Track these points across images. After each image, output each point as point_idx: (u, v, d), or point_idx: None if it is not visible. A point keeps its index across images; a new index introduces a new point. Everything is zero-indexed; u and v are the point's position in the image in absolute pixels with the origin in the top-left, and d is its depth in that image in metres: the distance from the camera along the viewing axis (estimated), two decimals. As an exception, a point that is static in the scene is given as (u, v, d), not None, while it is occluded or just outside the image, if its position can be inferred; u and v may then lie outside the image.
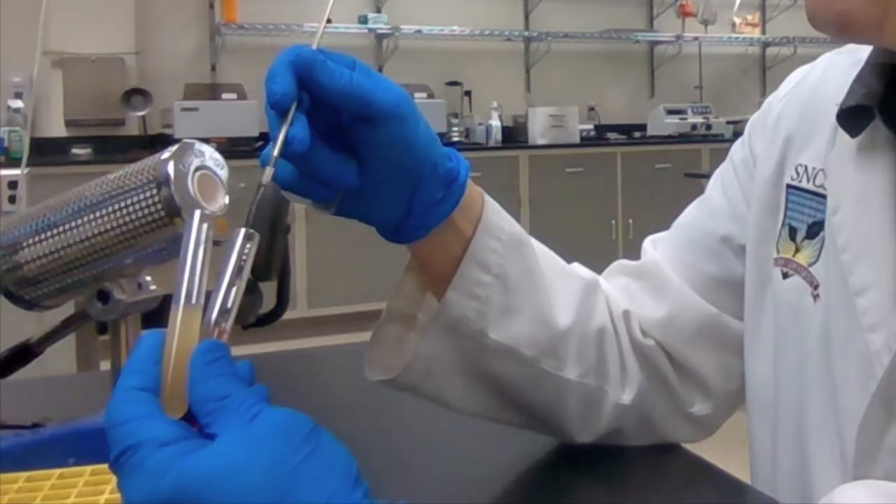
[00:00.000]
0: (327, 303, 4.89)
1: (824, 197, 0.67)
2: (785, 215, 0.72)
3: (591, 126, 6.04)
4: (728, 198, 0.79)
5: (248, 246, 0.46)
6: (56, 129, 4.89)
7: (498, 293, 0.68)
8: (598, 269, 0.82)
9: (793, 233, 0.70)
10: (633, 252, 0.84)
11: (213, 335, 0.44)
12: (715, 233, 0.78)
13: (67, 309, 0.79)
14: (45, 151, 4.57)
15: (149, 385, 0.42)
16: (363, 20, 5.58)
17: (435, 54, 5.85)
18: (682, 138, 6.00)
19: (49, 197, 0.75)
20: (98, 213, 0.71)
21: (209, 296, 0.45)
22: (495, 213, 0.69)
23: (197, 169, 0.70)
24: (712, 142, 5.90)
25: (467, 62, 5.94)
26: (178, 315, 0.44)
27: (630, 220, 5.65)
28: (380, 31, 5.65)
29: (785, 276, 0.70)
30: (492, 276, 0.68)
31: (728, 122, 6.05)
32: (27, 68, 4.25)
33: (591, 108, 6.20)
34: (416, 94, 5.18)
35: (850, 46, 0.71)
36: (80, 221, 0.71)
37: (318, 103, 0.57)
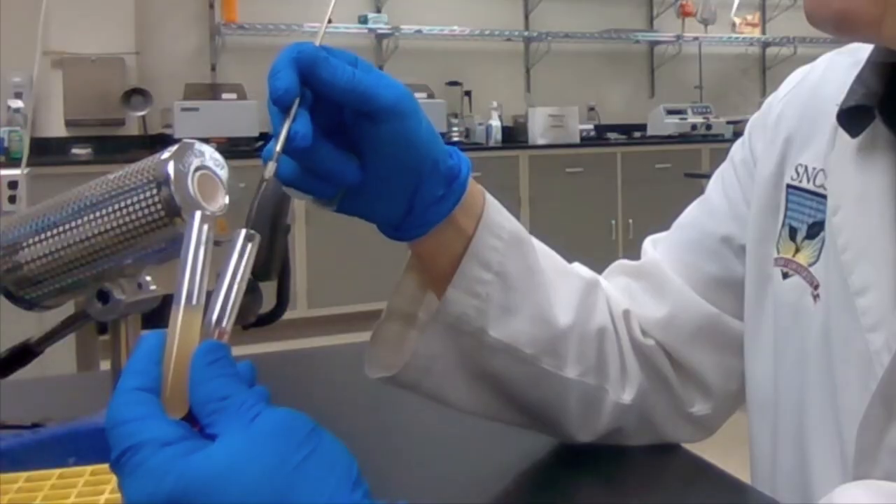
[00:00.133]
0: (327, 303, 4.89)
1: (824, 197, 0.67)
2: (785, 215, 0.72)
3: (591, 126, 6.04)
4: (728, 198, 0.79)
5: (248, 246, 0.46)
6: (56, 129, 4.89)
7: (498, 291, 0.68)
8: (598, 269, 0.82)
9: (793, 233, 0.70)
10: (633, 252, 0.84)
11: (214, 336, 0.44)
12: (715, 233, 0.78)
13: (67, 309, 0.79)
14: (45, 151, 4.57)
15: (150, 385, 0.42)
16: (363, 20, 5.58)
17: (435, 54, 5.85)
18: (682, 138, 6.00)
19: (49, 197, 0.74)
20: (98, 213, 0.71)
21: (210, 296, 0.45)
22: (496, 211, 0.69)
23: (197, 169, 0.70)
24: (712, 142, 5.90)
25: (467, 62, 5.94)
26: (178, 316, 0.44)
27: (630, 220, 5.65)
28: (380, 31, 5.65)
29: (785, 276, 0.70)
30: (492, 274, 0.68)
31: (728, 122, 6.05)
32: (27, 68, 4.25)
33: (591, 108, 6.20)
34: (416, 94, 5.11)
35: (851, 46, 0.71)
36: (80, 221, 0.71)
37: (320, 100, 0.57)
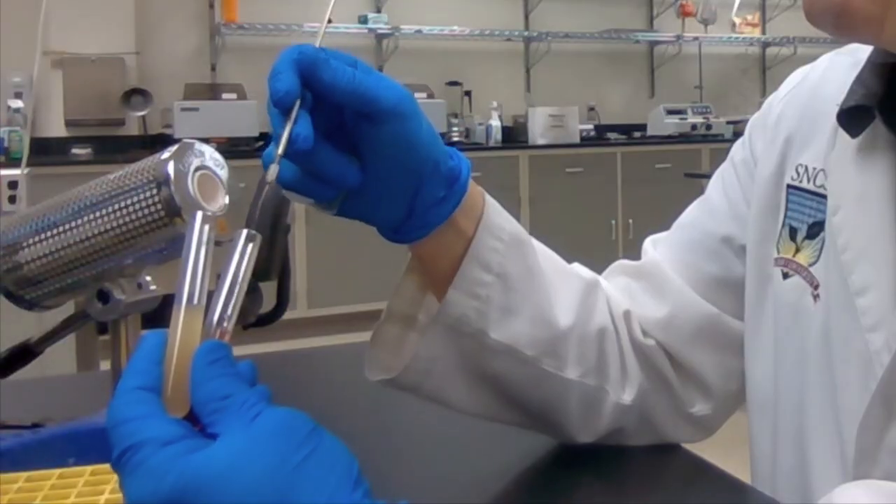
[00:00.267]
0: (327, 303, 4.89)
1: (825, 197, 0.67)
2: (785, 215, 0.72)
3: (591, 126, 6.04)
4: (728, 198, 0.79)
5: (249, 247, 0.46)
6: (56, 129, 4.89)
7: (499, 293, 0.68)
8: (598, 269, 0.82)
9: (793, 233, 0.70)
10: (633, 252, 0.84)
11: (216, 336, 0.44)
12: (715, 233, 0.79)
13: (67, 309, 0.79)
14: (45, 151, 4.57)
15: (150, 385, 0.42)
16: (363, 20, 5.58)
17: (435, 54, 5.85)
18: (682, 138, 6.00)
19: (49, 197, 0.75)
20: (98, 213, 0.71)
21: (211, 296, 0.45)
22: (496, 212, 0.69)
23: (197, 169, 0.70)
24: (712, 142, 5.90)
25: (467, 62, 5.94)
26: (179, 316, 0.44)
27: (630, 220, 5.65)
28: (380, 31, 5.65)
29: (785, 276, 0.70)
30: (493, 275, 0.68)
31: (728, 122, 6.05)
32: (27, 68, 4.25)
33: (591, 108, 6.20)
34: (416, 95, 5.14)
35: (851, 47, 0.71)
36: (80, 221, 0.71)
37: (320, 102, 0.57)
